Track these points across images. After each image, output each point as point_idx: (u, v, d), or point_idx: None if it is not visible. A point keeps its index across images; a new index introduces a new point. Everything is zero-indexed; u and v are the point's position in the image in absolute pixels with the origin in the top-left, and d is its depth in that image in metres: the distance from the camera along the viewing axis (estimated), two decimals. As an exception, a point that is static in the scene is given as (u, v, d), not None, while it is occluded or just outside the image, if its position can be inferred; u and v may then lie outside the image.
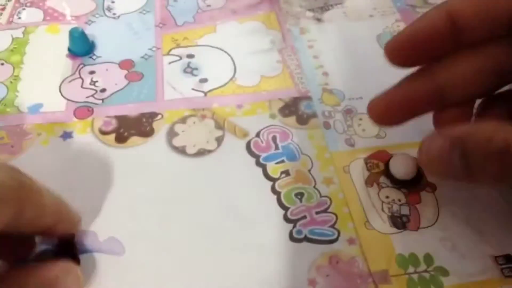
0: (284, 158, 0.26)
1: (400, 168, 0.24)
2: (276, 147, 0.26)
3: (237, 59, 0.31)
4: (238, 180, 0.25)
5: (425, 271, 0.22)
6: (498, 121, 0.17)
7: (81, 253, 0.22)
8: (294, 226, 0.23)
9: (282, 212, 0.24)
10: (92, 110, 0.28)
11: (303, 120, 0.28)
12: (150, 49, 0.32)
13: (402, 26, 0.33)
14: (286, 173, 0.25)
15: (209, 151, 0.26)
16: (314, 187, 0.25)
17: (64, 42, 0.32)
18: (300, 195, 0.24)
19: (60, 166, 0.26)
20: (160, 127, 0.27)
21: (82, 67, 0.31)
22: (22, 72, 0.31)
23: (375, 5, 0.35)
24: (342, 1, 0.35)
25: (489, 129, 0.16)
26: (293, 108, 0.28)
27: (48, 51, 0.32)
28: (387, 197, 0.24)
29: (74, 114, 0.28)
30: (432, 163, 0.18)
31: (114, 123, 0.28)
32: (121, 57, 0.31)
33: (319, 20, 0.34)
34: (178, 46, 0.32)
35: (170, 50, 0.32)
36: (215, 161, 0.26)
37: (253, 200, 0.24)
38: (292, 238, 0.23)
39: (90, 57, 0.31)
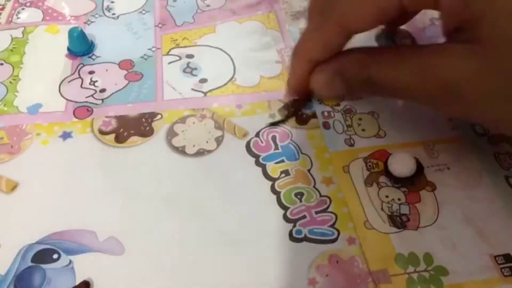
0: (283, 158, 0.26)
1: (399, 165, 0.24)
2: (276, 147, 0.26)
3: (236, 59, 0.31)
4: (237, 180, 0.25)
5: (425, 270, 0.22)
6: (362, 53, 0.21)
7: (81, 253, 0.22)
8: (294, 226, 0.23)
9: (282, 212, 0.24)
10: (92, 110, 0.28)
11: (302, 120, 0.28)
12: (150, 49, 0.32)
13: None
14: (286, 173, 0.25)
15: (209, 151, 0.26)
16: (314, 186, 0.25)
17: (63, 42, 0.32)
18: (299, 195, 0.24)
19: (60, 166, 0.26)
20: (160, 127, 0.27)
21: (81, 67, 0.31)
22: (21, 72, 0.31)
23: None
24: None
25: (358, 62, 0.21)
26: (293, 109, 0.28)
27: (48, 51, 0.32)
28: (386, 196, 0.24)
29: (74, 114, 0.28)
30: (322, 90, 0.23)
31: (113, 123, 0.28)
32: (120, 57, 0.31)
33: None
34: (178, 46, 0.32)
35: (170, 50, 0.32)
36: (215, 161, 0.26)
37: (253, 200, 0.24)
38: (292, 237, 0.23)
39: (90, 57, 0.31)
